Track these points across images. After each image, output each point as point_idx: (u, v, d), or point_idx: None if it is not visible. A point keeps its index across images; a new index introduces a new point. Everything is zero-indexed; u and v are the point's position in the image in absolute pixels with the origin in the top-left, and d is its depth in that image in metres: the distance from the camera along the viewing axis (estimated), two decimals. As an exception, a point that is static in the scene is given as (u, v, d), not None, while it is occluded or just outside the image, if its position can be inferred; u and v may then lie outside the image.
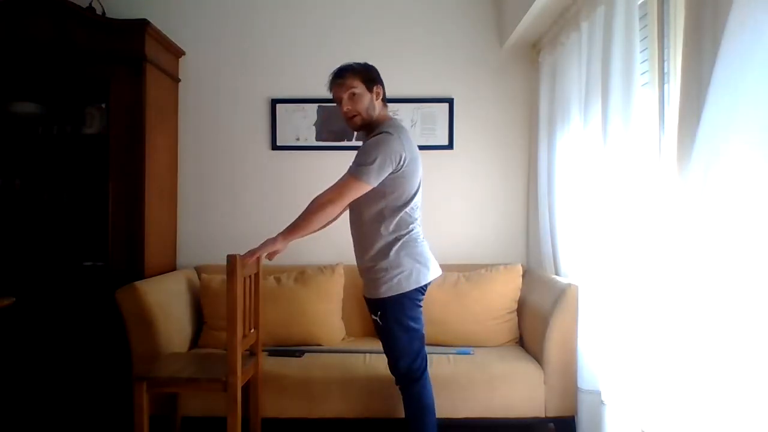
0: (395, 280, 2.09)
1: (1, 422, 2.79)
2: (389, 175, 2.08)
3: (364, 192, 2.09)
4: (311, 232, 2.15)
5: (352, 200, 2.11)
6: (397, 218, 2.12)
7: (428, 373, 2.21)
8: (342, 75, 2.18)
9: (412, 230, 2.16)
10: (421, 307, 2.18)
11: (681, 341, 1.59)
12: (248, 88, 3.37)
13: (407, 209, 2.14)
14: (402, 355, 2.15)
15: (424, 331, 2.19)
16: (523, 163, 3.38)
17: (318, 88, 3.36)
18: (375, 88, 2.18)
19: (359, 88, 2.16)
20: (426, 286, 2.18)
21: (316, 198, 2.11)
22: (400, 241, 2.12)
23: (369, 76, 2.19)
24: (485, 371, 2.53)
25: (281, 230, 2.13)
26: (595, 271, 2.28)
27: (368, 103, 2.17)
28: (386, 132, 2.10)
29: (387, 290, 2.10)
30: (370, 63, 2.27)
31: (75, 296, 2.89)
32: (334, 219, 2.23)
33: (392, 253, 2.11)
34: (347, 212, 2.26)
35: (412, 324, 2.14)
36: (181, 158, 3.36)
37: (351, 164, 2.10)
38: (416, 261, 2.13)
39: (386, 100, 2.27)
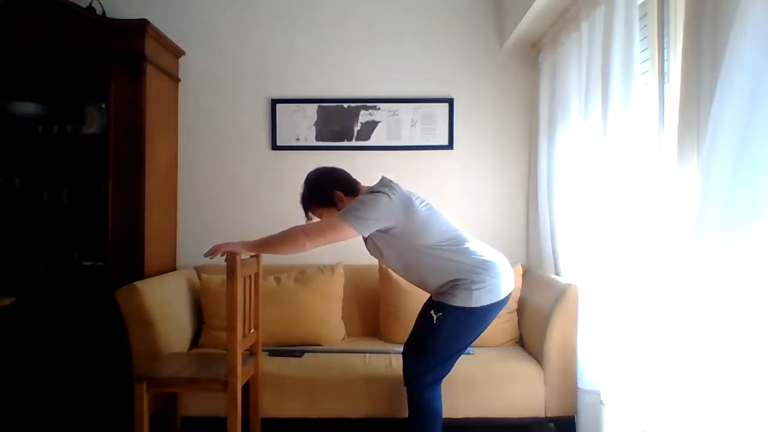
0: (474, 294, 2.06)
1: (1, 422, 2.79)
2: (397, 230, 2.09)
3: (349, 237, 2.09)
4: (276, 254, 2.16)
5: (330, 242, 2.11)
6: (449, 250, 2.12)
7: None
8: (307, 210, 2.27)
9: (472, 251, 2.14)
10: (481, 332, 2.16)
11: (681, 341, 1.59)
12: (248, 88, 3.37)
13: (449, 241, 2.13)
14: (429, 359, 2.13)
15: (460, 354, 2.17)
16: (523, 163, 3.38)
17: (318, 88, 3.39)
18: (334, 197, 2.20)
19: (325, 210, 2.23)
20: (500, 308, 2.15)
21: (296, 227, 2.11)
22: (471, 262, 2.11)
23: (321, 197, 2.22)
24: (485, 371, 2.52)
25: (249, 240, 2.15)
26: (595, 271, 2.28)
27: (339, 211, 2.19)
28: (380, 192, 2.12)
29: (464, 300, 2.07)
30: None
31: (75, 296, 2.89)
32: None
33: (469, 271, 2.09)
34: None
35: (461, 343, 2.13)
36: (181, 158, 3.36)
37: (343, 209, 2.12)
38: (495, 277, 2.11)
39: (350, 187, 2.25)
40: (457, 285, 2.08)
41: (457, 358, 2.19)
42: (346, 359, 2.63)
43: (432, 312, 2.12)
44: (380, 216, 2.07)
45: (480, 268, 2.10)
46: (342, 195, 2.20)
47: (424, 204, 2.19)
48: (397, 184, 2.21)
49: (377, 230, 2.11)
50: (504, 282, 2.14)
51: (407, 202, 2.13)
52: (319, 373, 2.52)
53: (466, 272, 2.09)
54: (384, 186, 2.16)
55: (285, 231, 2.11)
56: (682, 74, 1.60)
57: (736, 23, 1.31)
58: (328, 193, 2.20)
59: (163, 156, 3.13)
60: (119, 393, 2.63)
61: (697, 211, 1.48)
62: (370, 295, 3.07)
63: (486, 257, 2.15)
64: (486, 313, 2.11)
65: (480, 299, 2.07)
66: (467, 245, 2.16)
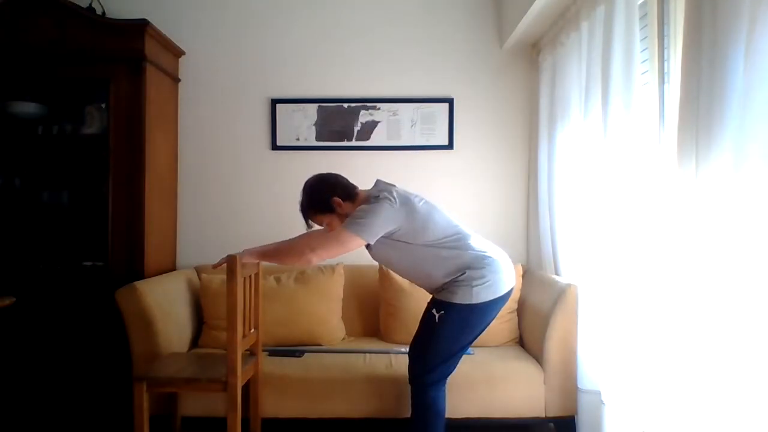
0: (474, 290, 2.07)
1: (1, 422, 2.79)
2: (401, 232, 2.10)
3: (355, 247, 2.10)
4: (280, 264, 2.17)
5: (335, 255, 2.11)
6: (451, 246, 2.12)
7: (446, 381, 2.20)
8: (306, 217, 2.26)
9: (472, 247, 2.14)
10: (483, 329, 2.16)
11: (681, 341, 1.59)
12: (248, 88, 3.37)
13: (450, 237, 2.14)
14: (433, 357, 2.13)
15: (464, 351, 2.17)
16: (523, 163, 3.38)
17: (318, 88, 3.40)
18: (332, 204, 2.20)
19: (324, 217, 2.23)
20: (501, 304, 2.16)
21: (303, 240, 2.14)
22: (471, 258, 2.11)
23: (319, 204, 2.21)
24: (485, 371, 2.52)
25: (255, 248, 2.17)
26: (595, 271, 2.28)
27: (338, 216, 2.21)
28: (380, 197, 2.12)
29: (464, 297, 2.07)
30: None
31: (75, 296, 2.88)
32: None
33: (470, 267, 2.10)
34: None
35: (462, 341, 2.12)
36: (181, 158, 3.36)
37: (346, 220, 2.12)
38: (496, 273, 2.12)
39: (348, 192, 2.23)
40: (457, 282, 2.09)
41: (461, 356, 2.19)
42: (346, 359, 2.63)
43: (434, 311, 2.13)
44: (384, 222, 2.08)
45: (480, 264, 2.11)
46: (340, 201, 2.20)
47: (422, 201, 2.20)
48: (394, 186, 2.22)
49: (381, 236, 2.11)
50: (504, 277, 2.15)
51: (407, 203, 2.14)
52: (319, 373, 2.52)
53: (467, 268, 2.09)
54: (382, 190, 2.17)
55: (291, 242, 2.13)
56: (682, 74, 1.60)
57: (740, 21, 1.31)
58: (325, 199, 2.20)
59: (163, 156, 3.13)
60: (119, 393, 2.63)
61: (697, 210, 1.48)
62: (370, 295, 3.07)
63: (486, 253, 2.15)
64: (487, 310, 2.11)
65: (480, 295, 2.07)
66: (468, 241, 2.17)
